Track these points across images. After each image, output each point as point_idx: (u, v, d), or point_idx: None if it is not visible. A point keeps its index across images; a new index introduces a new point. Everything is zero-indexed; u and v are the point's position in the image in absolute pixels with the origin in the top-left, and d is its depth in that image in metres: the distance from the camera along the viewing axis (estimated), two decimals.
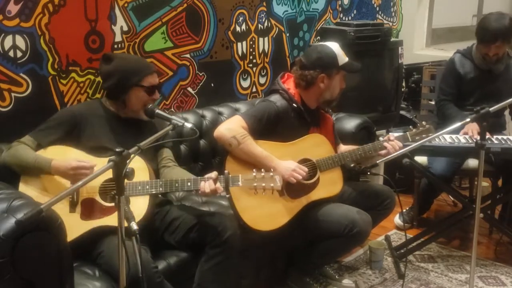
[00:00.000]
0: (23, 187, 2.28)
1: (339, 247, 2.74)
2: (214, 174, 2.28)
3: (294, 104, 2.73)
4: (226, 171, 2.32)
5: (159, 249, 2.37)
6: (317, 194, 2.66)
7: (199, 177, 2.29)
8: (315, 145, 2.73)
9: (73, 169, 2.19)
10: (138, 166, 2.27)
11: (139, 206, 2.22)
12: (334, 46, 2.76)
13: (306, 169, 2.59)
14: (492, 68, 3.40)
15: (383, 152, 2.70)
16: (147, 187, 2.25)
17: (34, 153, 2.30)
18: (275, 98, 2.74)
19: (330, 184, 2.69)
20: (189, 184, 2.25)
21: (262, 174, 2.28)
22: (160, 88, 2.64)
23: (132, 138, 2.16)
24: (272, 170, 2.54)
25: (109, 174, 1.69)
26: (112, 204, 2.15)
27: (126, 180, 2.16)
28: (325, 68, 2.71)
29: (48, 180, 2.28)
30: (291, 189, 2.60)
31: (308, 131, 2.77)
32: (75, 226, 2.20)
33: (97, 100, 2.62)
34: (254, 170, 2.30)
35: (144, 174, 2.31)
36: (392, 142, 2.71)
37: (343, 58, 2.75)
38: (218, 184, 2.25)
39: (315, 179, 2.65)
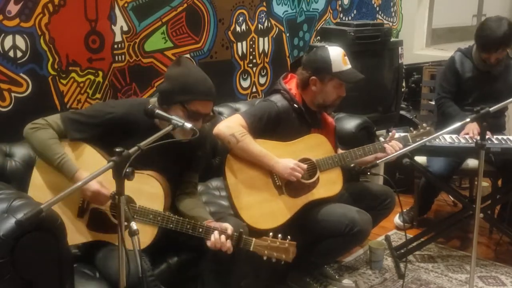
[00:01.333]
0: (36, 175, 2.22)
1: (339, 246, 2.74)
2: (230, 229, 2.18)
3: (295, 105, 2.73)
4: (241, 230, 2.21)
5: (159, 250, 2.36)
6: (317, 193, 2.65)
7: (212, 226, 2.19)
8: (315, 145, 2.73)
9: (93, 192, 2.12)
10: (157, 193, 2.22)
11: (147, 233, 2.18)
12: (334, 51, 2.69)
13: (305, 167, 2.59)
14: (491, 70, 3.40)
15: (381, 154, 2.70)
16: (159, 218, 2.17)
17: (62, 152, 2.17)
18: (276, 98, 2.73)
19: (330, 183, 2.69)
20: (200, 230, 2.18)
21: (277, 243, 2.19)
22: (208, 118, 2.34)
23: (168, 159, 1.90)
24: (271, 168, 2.56)
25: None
26: None
27: (138, 204, 2.15)
28: (317, 72, 2.69)
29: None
30: (291, 188, 2.60)
31: (308, 132, 2.76)
32: (79, 234, 2.19)
33: (145, 101, 2.37)
34: (270, 234, 2.21)
35: (158, 203, 2.21)
36: (392, 143, 2.71)
37: (340, 65, 2.67)
38: (229, 244, 2.15)
39: (314, 178, 2.65)
